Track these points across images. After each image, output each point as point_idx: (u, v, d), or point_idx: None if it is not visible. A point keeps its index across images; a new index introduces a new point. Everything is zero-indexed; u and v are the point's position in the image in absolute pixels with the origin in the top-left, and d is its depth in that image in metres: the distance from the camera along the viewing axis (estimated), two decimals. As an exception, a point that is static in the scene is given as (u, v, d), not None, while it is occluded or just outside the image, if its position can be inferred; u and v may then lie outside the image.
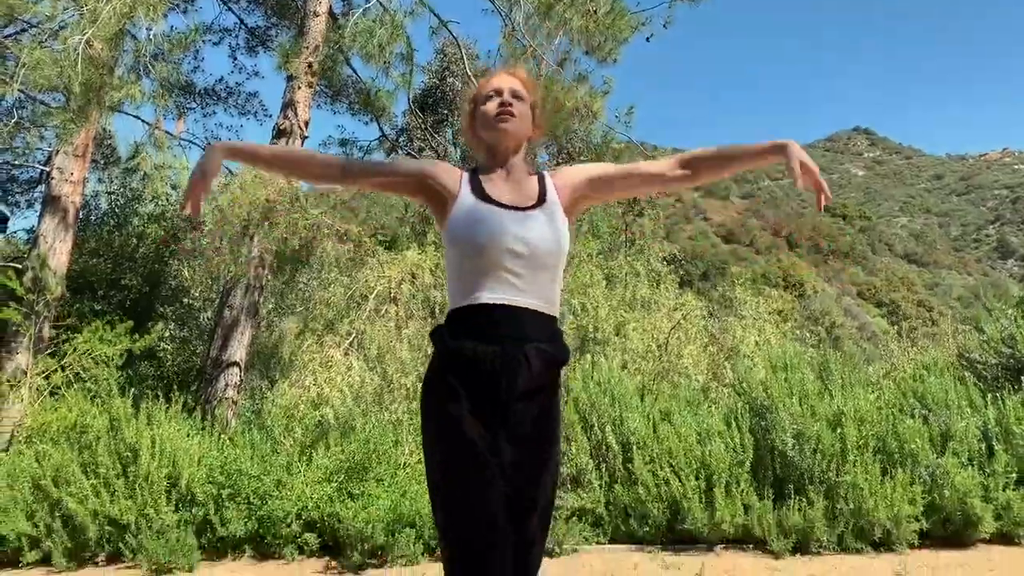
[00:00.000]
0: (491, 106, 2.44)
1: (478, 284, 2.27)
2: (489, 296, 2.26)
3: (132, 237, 18.39)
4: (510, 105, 2.42)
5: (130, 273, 17.32)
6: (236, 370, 12.75)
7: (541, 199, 2.44)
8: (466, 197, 2.36)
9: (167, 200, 19.51)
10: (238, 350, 12.77)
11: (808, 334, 15.11)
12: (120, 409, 6.83)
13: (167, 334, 19.28)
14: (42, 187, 17.58)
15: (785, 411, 6.63)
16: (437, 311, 10.44)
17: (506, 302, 2.26)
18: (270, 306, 16.10)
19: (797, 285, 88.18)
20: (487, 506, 2.14)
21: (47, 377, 8.12)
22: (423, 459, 2.34)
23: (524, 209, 2.38)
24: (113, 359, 8.15)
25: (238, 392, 12.99)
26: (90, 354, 8.02)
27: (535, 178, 2.53)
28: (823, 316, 79.62)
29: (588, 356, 12.95)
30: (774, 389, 6.87)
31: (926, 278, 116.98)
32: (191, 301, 19.91)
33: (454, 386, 2.24)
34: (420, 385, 2.44)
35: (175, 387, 16.82)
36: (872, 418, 6.64)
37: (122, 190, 19.14)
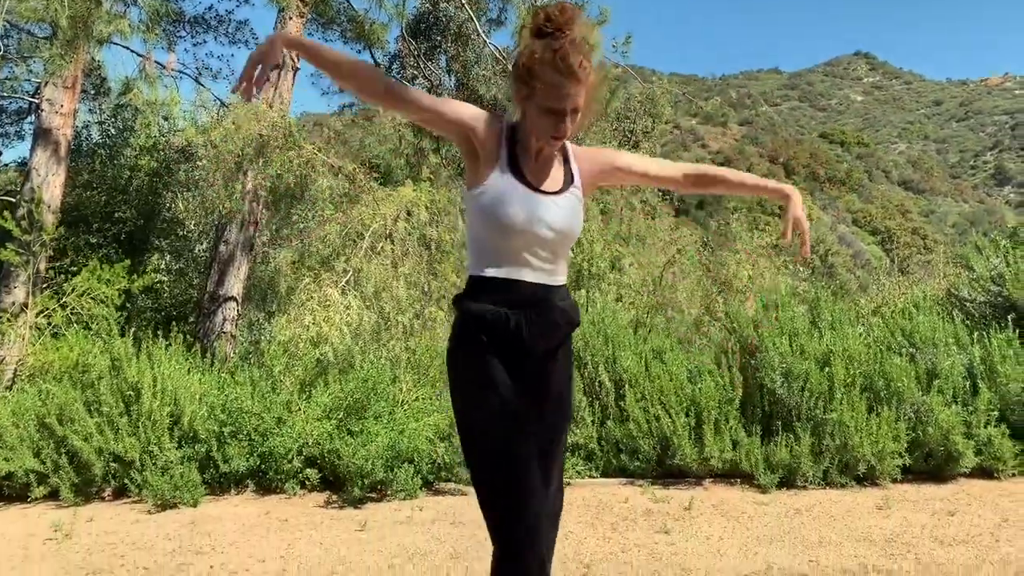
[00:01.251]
0: (549, 123, 2.36)
1: (503, 259, 2.38)
2: (514, 273, 2.38)
3: (125, 169, 18.29)
4: (565, 130, 2.37)
5: (124, 206, 17.27)
6: (233, 304, 12.88)
7: (568, 181, 2.51)
8: (504, 172, 2.38)
9: (160, 132, 19.39)
10: (235, 285, 12.88)
11: (801, 268, 15.14)
12: (121, 349, 6.95)
13: (163, 266, 19.37)
14: (32, 118, 17.42)
15: (775, 350, 6.76)
16: (433, 248, 10.51)
17: (529, 279, 2.39)
18: (265, 238, 16.15)
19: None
20: (527, 459, 2.35)
21: (48, 316, 8.20)
22: (456, 418, 2.47)
23: (554, 193, 2.45)
24: (112, 299, 8.24)
25: (236, 326, 13.14)
26: (89, 294, 8.10)
27: (558, 154, 2.56)
28: (818, 244, 79.76)
29: (583, 291, 13.08)
30: (764, 329, 7.00)
31: (922, 205, 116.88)
32: (186, 233, 19.93)
33: (486, 348, 2.37)
34: (447, 351, 2.53)
35: (173, 321, 16.99)
36: (860, 357, 6.78)
37: (113, 121, 18.96)
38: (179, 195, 19.41)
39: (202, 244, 19.28)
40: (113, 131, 19.41)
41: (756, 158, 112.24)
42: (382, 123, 22.40)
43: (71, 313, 8.03)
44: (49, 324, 8.03)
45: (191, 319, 18.36)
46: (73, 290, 8.30)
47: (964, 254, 8.39)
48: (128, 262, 9.46)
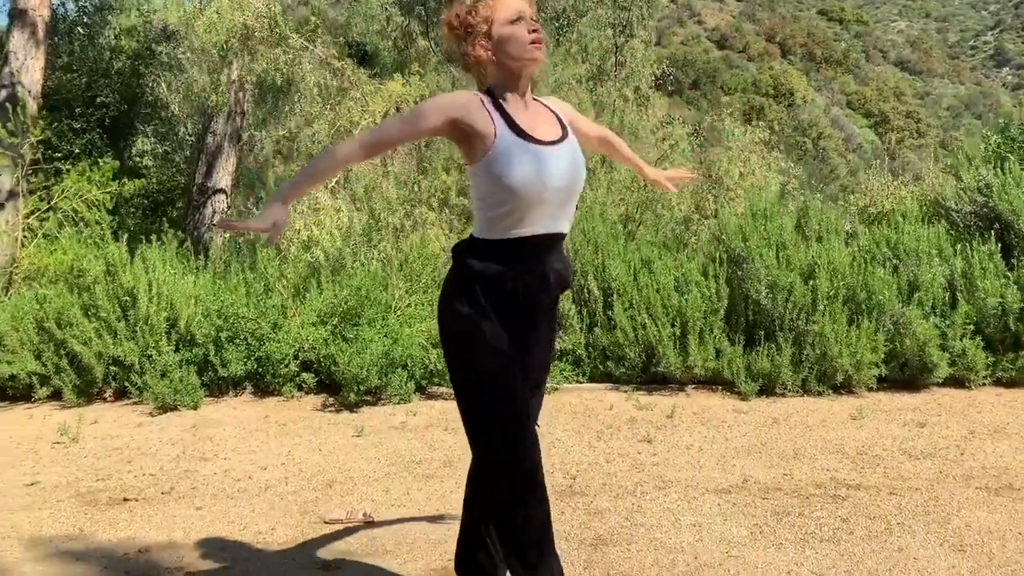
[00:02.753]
0: (522, 32, 2.40)
1: (521, 219, 2.42)
2: (530, 229, 2.44)
3: (106, 51, 17.91)
4: (539, 32, 2.43)
5: (107, 90, 16.99)
6: (223, 196, 12.93)
7: (563, 128, 2.56)
8: (505, 135, 2.38)
9: (139, 10, 18.89)
10: (223, 177, 12.90)
11: (792, 164, 15.17)
12: (116, 255, 7.06)
13: (148, 149, 19.20)
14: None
15: (761, 262, 6.93)
16: (422, 146, 10.50)
17: (544, 231, 2.47)
18: (253, 126, 16.01)
19: (787, 94, 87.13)
20: (521, 403, 2.57)
21: (40, 219, 8.24)
22: (452, 367, 2.62)
23: (557, 143, 2.48)
24: (103, 202, 8.28)
25: (225, 218, 13.19)
26: (80, 196, 8.14)
27: (541, 105, 2.61)
28: (811, 127, 79.26)
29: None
30: (752, 240, 7.14)
31: (918, 87, 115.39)
32: (170, 116, 19.67)
33: (487, 307, 2.49)
34: (441, 303, 2.64)
35: (160, 208, 16.98)
36: (844, 270, 6.97)
37: (89, 5, 18.45)
38: (162, 77, 19.08)
39: (187, 127, 19.07)
40: (91, 7, 18.90)
41: (752, 36, 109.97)
42: (368, 2, 21.82)
43: (63, 218, 8.08)
44: (41, 225, 8.09)
45: (178, 204, 18.38)
46: (63, 191, 8.32)
47: (953, 164, 8.47)
48: (117, 164, 9.42)
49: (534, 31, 2.43)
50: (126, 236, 7.13)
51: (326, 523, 4.31)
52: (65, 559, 3.94)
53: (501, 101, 2.46)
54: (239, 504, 4.65)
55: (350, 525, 4.27)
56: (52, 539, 4.20)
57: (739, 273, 7.12)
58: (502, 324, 2.53)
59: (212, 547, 4.06)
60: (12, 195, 8.24)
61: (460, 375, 2.62)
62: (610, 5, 15.08)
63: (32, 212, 8.35)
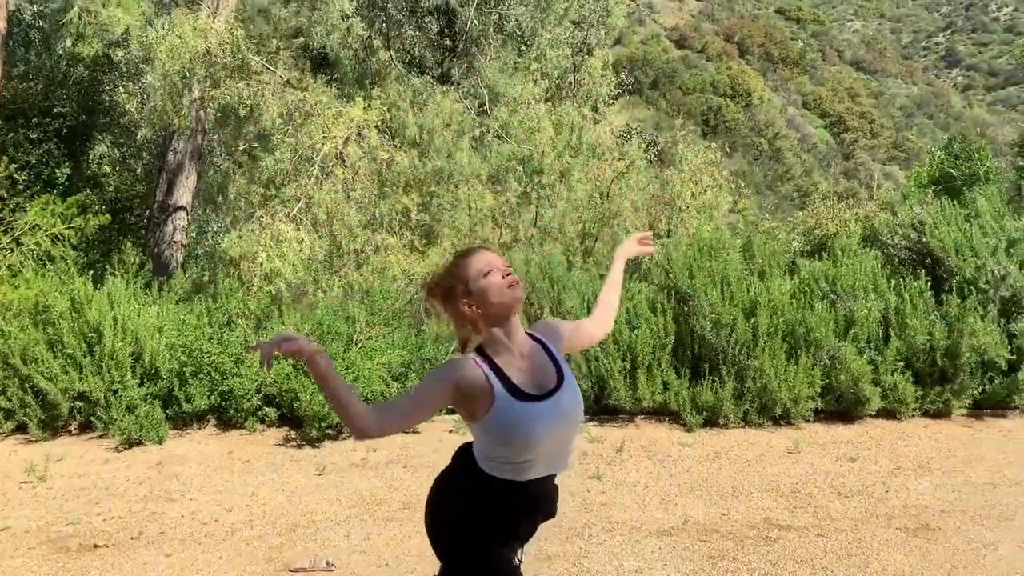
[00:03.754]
0: (495, 278, 2.53)
1: (527, 469, 2.51)
2: (536, 473, 2.53)
3: (63, 59, 17.81)
4: (512, 274, 2.54)
5: (64, 99, 16.89)
6: (183, 214, 13.02)
7: (559, 371, 2.60)
8: (502, 397, 2.47)
9: (95, 19, 18.75)
10: (184, 194, 12.99)
11: (743, 184, 15.63)
12: (82, 291, 7.20)
13: (107, 157, 19.10)
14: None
15: (706, 300, 7.28)
16: (384, 169, 10.71)
17: (543, 475, 2.56)
18: (214, 143, 16.06)
19: (744, 94, 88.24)
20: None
21: (3, 253, 8.32)
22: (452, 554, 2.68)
23: (554, 391, 2.54)
24: (68, 238, 8.39)
25: (185, 235, 13.30)
26: (45, 232, 8.24)
27: (535, 344, 2.66)
28: (767, 127, 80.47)
29: (533, 206, 13.41)
30: (698, 278, 7.48)
31: (872, 86, 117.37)
32: (128, 122, 19.54)
33: (500, 532, 2.61)
34: (446, 504, 2.67)
35: (118, 215, 16.89)
36: (784, 307, 7.34)
37: (48, 10, 18.30)
38: (120, 84, 18.97)
39: (145, 132, 18.98)
40: (47, 12, 18.73)
41: (711, 36, 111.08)
42: (329, 11, 21.88)
43: (26, 252, 8.17)
44: (4, 259, 8.17)
45: (136, 212, 18.34)
46: (26, 226, 8.39)
47: (889, 200, 8.89)
48: (81, 196, 9.52)
49: (508, 275, 2.53)
50: (87, 262, 7.26)
51: (291, 572, 4.55)
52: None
53: (494, 357, 2.54)
54: (207, 550, 4.87)
55: (314, 573, 4.52)
56: (26, 592, 4.40)
57: (685, 309, 7.45)
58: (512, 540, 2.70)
59: (181, 596, 4.29)
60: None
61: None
62: (568, 26, 15.40)
63: (-3, 253, 8.45)
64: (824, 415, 7.23)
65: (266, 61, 11.56)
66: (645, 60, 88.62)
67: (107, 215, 9.41)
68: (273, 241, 8.47)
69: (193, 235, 14.19)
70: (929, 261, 8.01)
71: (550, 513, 2.71)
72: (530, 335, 2.64)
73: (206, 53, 10.36)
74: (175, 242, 12.76)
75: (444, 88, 17.33)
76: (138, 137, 19.69)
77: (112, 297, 7.41)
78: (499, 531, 2.57)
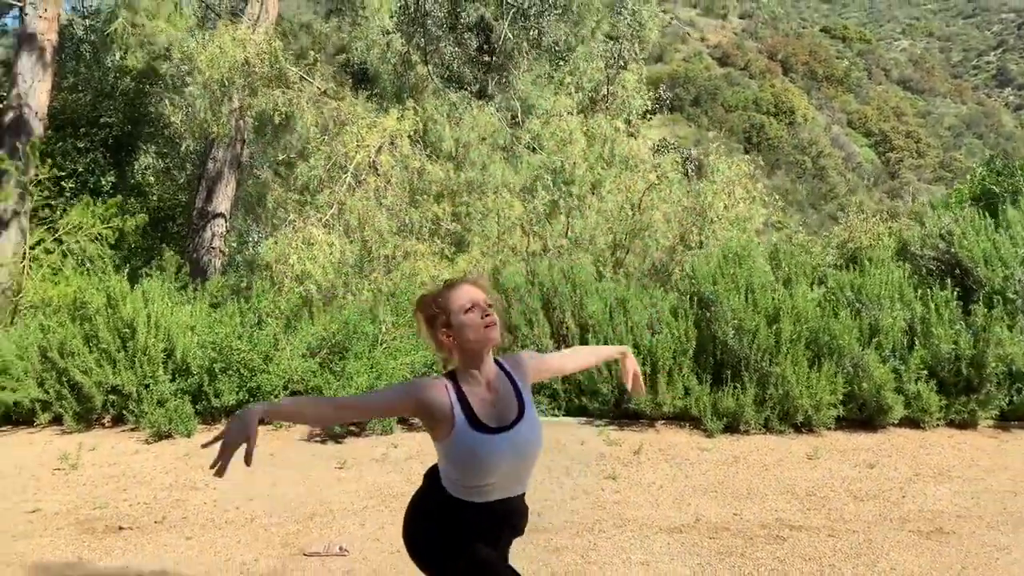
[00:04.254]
0: (474, 317, 2.70)
1: (482, 493, 2.70)
2: (495, 496, 2.72)
3: (111, 72, 18.34)
4: (491, 315, 2.72)
5: (111, 110, 17.40)
6: (221, 221, 13.32)
7: (520, 404, 2.79)
8: (462, 427, 2.63)
9: (141, 31, 19.31)
10: (223, 201, 13.29)
11: (777, 197, 15.53)
12: (117, 288, 7.44)
13: (151, 167, 19.61)
14: (14, 13, 17.31)
15: (728, 305, 7.31)
16: (415, 179, 10.88)
17: (508, 496, 2.75)
18: (253, 152, 16.42)
19: (788, 112, 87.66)
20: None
21: (46, 251, 8.61)
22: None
23: (513, 424, 2.70)
24: (106, 237, 8.66)
25: (224, 242, 13.60)
26: (83, 230, 8.51)
27: (502, 374, 2.85)
28: (810, 146, 79.78)
29: (563, 216, 13.50)
30: (721, 284, 7.52)
31: (919, 106, 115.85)
32: (173, 134, 20.07)
33: (468, 546, 2.76)
34: (420, 521, 2.86)
35: (160, 223, 17.32)
36: (808, 315, 7.34)
37: (98, 24, 18.89)
38: (165, 96, 19.48)
39: (188, 142, 19.46)
40: (98, 28, 19.32)
41: (754, 54, 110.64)
42: (369, 27, 22.28)
43: (66, 250, 8.46)
44: (48, 256, 8.46)
45: (179, 221, 18.78)
46: (67, 225, 8.69)
47: (918, 210, 8.85)
48: (120, 199, 9.83)
49: (486, 315, 2.72)
50: (127, 269, 7.50)
51: (305, 556, 4.68)
52: (64, 586, 4.31)
53: (462, 384, 2.71)
54: (226, 535, 5.02)
55: (327, 557, 4.65)
56: (51, 566, 4.57)
57: (708, 315, 7.49)
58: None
59: (198, 572, 4.43)
60: (20, 228, 8.63)
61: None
62: (602, 39, 15.53)
63: (38, 243, 8.73)
64: (846, 423, 7.21)
65: (303, 72, 11.82)
66: (687, 77, 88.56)
67: (145, 215, 9.67)
68: (305, 244, 8.67)
69: (233, 244, 14.50)
70: (958, 272, 7.97)
71: (516, 529, 2.89)
72: (499, 364, 2.83)
73: (245, 63, 10.61)
74: (213, 248, 13.05)
75: (480, 103, 17.58)
76: (181, 149, 20.23)
77: (147, 295, 7.64)
78: (467, 546, 2.72)
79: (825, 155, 77.32)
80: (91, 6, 19.25)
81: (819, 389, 6.93)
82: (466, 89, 19.06)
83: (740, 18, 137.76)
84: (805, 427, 7.11)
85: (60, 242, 8.71)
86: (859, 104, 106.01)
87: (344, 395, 6.89)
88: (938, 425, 7.16)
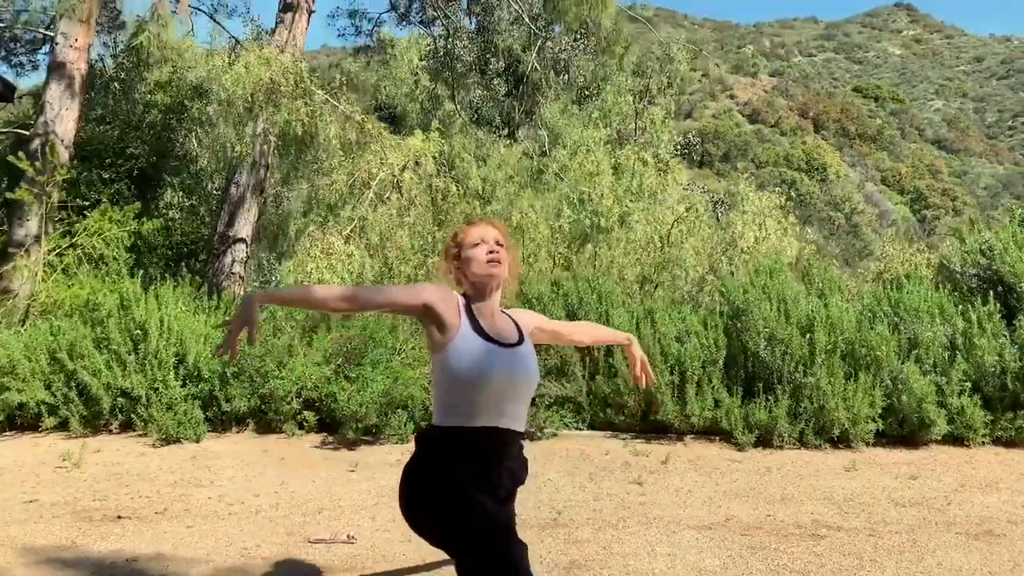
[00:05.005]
0: (480, 252, 2.81)
1: (476, 411, 2.70)
2: (483, 421, 2.71)
3: (139, 105, 18.57)
4: (496, 252, 2.82)
5: (137, 142, 17.58)
6: (242, 246, 13.30)
7: (521, 336, 2.90)
8: (467, 332, 2.71)
9: (173, 67, 19.62)
10: (244, 227, 13.29)
11: (808, 230, 15.36)
12: (130, 289, 7.37)
13: (175, 202, 19.75)
14: (46, 49, 17.68)
15: (760, 315, 7.10)
16: (439, 199, 10.83)
17: (493, 425, 2.73)
18: (276, 179, 16.49)
19: (820, 169, 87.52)
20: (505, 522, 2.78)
21: (59, 255, 8.61)
22: (447, 534, 2.70)
23: (513, 346, 2.80)
24: (122, 239, 8.64)
25: (245, 268, 13.57)
26: (100, 234, 8.50)
27: (507, 316, 2.97)
28: (843, 202, 79.37)
29: (591, 246, 13.39)
30: (751, 293, 7.32)
31: (955, 165, 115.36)
32: (198, 170, 20.26)
33: (464, 479, 2.69)
34: (412, 484, 2.81)
35: (183, 259, 17.43)
36: (843, 324, 7.11)
37: (127, 56, 19.20)
38: (192, 133, 19.73)
39: (214, 182, 19.62)
40: (128, 64, 19.64)
41: (785, 111, 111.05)
42: (398, 66, 22.59)
43: (82, 252, 8.44)
44: (61, 261, 8.44)
45: (201, 256, 18.84)
46: (84, 230, 8.70)
47: (958, 227, 8.63)
48: (139, 205, 9.84)
49: (491, 251, 2.82)
50: (142, 273, 7.43)
51: (311, 543, 4.48)
52: (55, 565, 4.14)
53: (472, 305, 2.81)
54: (228, 525, 4.83)
55: (333, 544, 4.44)
56: (44, 548, 4.40)
57: (738, 325, 7.28)
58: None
59: (198, 558, 4.24)
60: (36, 236, 8.64)
61: (463, 530, 2.67)
62: (629, 72, 15.58)
63: (53, 249, 8.73)
64: (885, 439, 6.92)
65: (329, 95, 11.88)
66: (716, 133, 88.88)
67: (160, 220, 9.65)
68: (323, 254, 8.58)
69: (253, 274, 14.49)
70: (1000, 288, 7.71)
71: (514, 474, 2.85)
72: (505, 313, 2.95)
73: (270, 82, 10.67)
74: (233, 273, 13.02)
75: (508, 141, 17.64)
76: (206, 186, 20.39)
77: (160, 298, 7.55)
78: (462, 479, 2.66)
79: (859, 212, 76.79)
80: (123, 42, 19.61)
81: (856, 402, 6.67)
82: (493, 127, 19.19)
83: (770, 76, 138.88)
84: (842, 442, 6.82)
85: (75, 247, 8.69)
86: (893, 162, 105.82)
87: (359, 398, 6.73)
88: (984, 443, 6.85)
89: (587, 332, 3.59)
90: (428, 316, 2.70)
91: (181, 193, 19.76)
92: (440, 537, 2.75)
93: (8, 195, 9.41)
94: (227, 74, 10.72)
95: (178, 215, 19.73)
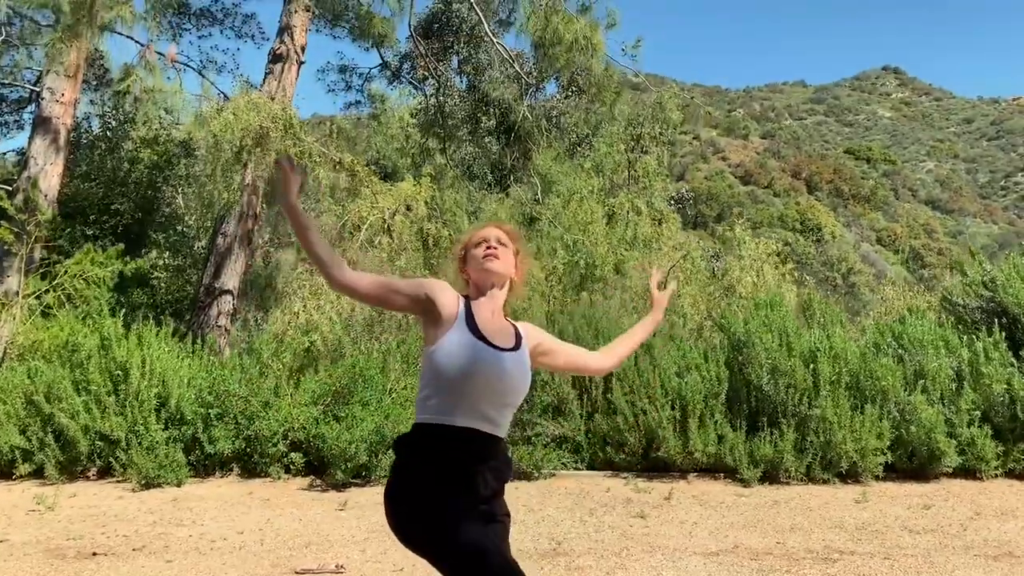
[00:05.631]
0: (479, 250, 2.85)
1: (456, 408, 2.64)
2: (464, 421, 2.64)
3: (124, 161, 18.62)
4: (495, 249, 2.84)
5: (122, 198, 17.56)
6: (229, 298, 13.17)
7: (518, 342, 2.85)
8: (461, 327, 2.69)
9: (161, 125, 19.74)
10: (231, 278, 13.17)
11: (808, 277, 15.38)
12: (111, 328, 7.24)
13: (161, 262, 19.66)
14: (32, 108, 17.80)
15: (762, 346, 7.01)
16: (431, 243, 10.78)
17: (477, 428, 2.65)
18: (266, 237, 16.46)
19: (815, 229, 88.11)
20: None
21: (38, 297, 8.50)
22: (435, 548, 2.65)
23: (506, 350, 2.74)
24: (104, 281, 8.53)
25: (231, 320, 13.44)
26: (82, 275, 8.39)
27: (508, 323, 2.92)
28: (840, 262, 79.75)
29: (586, 294, 13.33)
30: (752, 324, 7.24)
31: (949, 225, 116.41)
32: (185, 229, 20.24)
33: (438, 493, 2.59)
34: (395, 497, 2.73)
35: (167, 315, 17.29)
36: (846, 355, 7.02)
37: (114, 113, 19.32)
38: (179, 190, 19.77)
39: (201, 241, 19.58)
40: (114, 123, 19.75)
41: (778, 172, 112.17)
42: (388, 123, 22.79)
43: (63, 295, 8.32)
44: (40, 304, 8.32)
45: (187, 317, 18.71)
46: (66, 272, 8.60)
47: (959, 260, 8.60)
48: (122, 246, 9.76)
49: (488, 247, 2.83)
50: (123, 312, 7.31)
51: (296, 573, 4.31)
52: (24, 598, 3.96)
53: (472, 304, 2.78)
54: (211, 559, 4.65)
55: (321, 574, 4.27)
56: (14, 583, 4.22)
57: (740, 358, 7.18)
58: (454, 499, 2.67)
59: (176, 590, 4.07)
60: (16, 280, 8.56)
61: (447, 545, 2.67)
62: (622, 122, 15.70)
63: (33, 292, 8.61)
64: (896, 473, 6.78)
65: (320, 144, 11.91)
66: (710, 194, 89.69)
67: (143, 260, 9.55)
68: (311, 295, 8.47)
69: (239, 327, 14.33)
70: (1004, 319, 7.65)
71: (499, 473, 2.74)
72: (511, 323, 2.90)
73: (259, 128, 10.69)
74: (219, 326, 12.88)
75: (499, 195, 17.70)
76: (194, 247, 20.35)
77: (142, 339, 7.42)
78: (443, 478, 2.58)
79: (856, 272, 77.09)
80: (109, 100, 19.75)
81: (864, 434, 6.54)
82: (485, 183, 19.26)
83: (762, 138, 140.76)
84: (851, 476, 6.67)
85: (55, 288, 8.57)
86: (887, 222, 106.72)
87: (348, 436, 6.57)
88: (996, 475, 6.72)
89: (609, 351, 3.24)
90: (426, 309, 2.67)
91: (168, 253, 19.71)
92: (422, 543, 2.61)
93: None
94: (216, 120, 10.73)
95: (163, 275, 19.66)
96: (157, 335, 7.82)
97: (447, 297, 2.70)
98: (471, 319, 2.72)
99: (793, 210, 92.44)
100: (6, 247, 11.05)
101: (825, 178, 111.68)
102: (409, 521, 2.60)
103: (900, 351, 7.31)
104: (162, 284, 19.11)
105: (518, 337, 2.85)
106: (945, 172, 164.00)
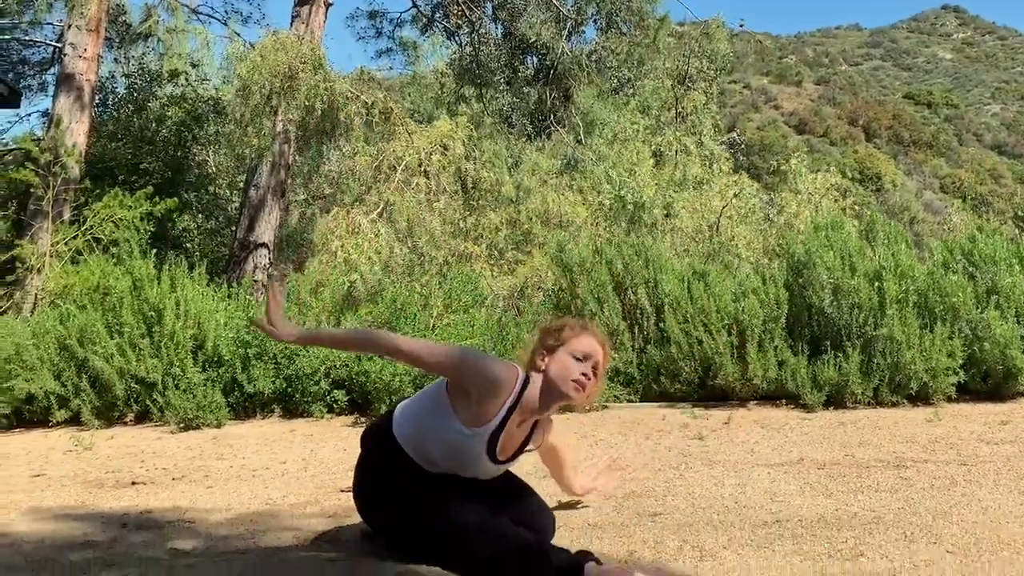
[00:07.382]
0: (575, 368, 2.80)
1: (430, 465, 2.89)
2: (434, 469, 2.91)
3: (152, 120, 18.75)
4: (592, 381, 2.83)
5: (151, 158, 17.69)
6: (264, 251, 13.26)
7: (520, 448, 2.99)
8: (482, 438, 2.77)
9: (186, 80, 19.84)
10: (266, 231, 13.26)
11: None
12: (142, 270, 7.29)
13: (194, 225, 19.86)
14: (55, 68, 17.98)
15: (823, 266, 6.86)
16: (469, 185, 10.73)
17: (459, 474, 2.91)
18: (299, 189, 16.52)
19: (874, 178, 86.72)
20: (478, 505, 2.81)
21: (67, 244, 8.60)
22: (419, 527, 2.79)
23: (503, 462, 2.91)
24: (134, 222, 8.60)
25: (267, 275, 13.54)
26: (111, 218, 8.48)
27: (532, 423, 3.01)
28: (902, 211, 78.45)
29: (633, 237, 13.21)
30: (813, 245, 7.09)
31: (1018, 170, 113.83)
32: (217, 189, 20.37)
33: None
34: (378, 482, 3.04)
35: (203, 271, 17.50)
36: (914, 273, 6.85)
37: (140, 71, 19.45)
38: (209, 149, 19.89)
39: (234, 203, 19.72)
40: (140, 81, 19.88)
41: (833, 120, 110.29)
42: (424, 74, 22.69)
43: (92, 239, 8.42)
44: (69, 250, 8.42)
45: (219, 279, 18.91)
46: (95, 214, 8.69)
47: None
48: (151, 189, 9.83)
49: (584, 374, 2.80)
50: (155, 252, 7.36)
51: (342, 492, 4.31)
52: (61, 520, 4.00)
53: (521, 399, 2.79)
54: (253, 484, 4.68)
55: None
56: (51, 508, 4.27)
57: (800, 281, 7.04)
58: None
59: (218, 508, 4.09)
60: (45, 226, 8.66)
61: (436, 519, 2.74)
62: (665, 55, 15.45)
63: (63, 239, 8.72)
64: (969, 394, 6.61)
65: (351, 86, 11.87)
66: (763, 145, 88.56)
67: (176, 199, 9.64)
68: (348, 233, 8.47)
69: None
70: (1087, 233, 7.42)
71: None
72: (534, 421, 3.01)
73: (288, 69, 10.66)
74: (255, 281, 12.98)
75: (540, 144, 17.55)
76: (227, 208, 20.49)
77: (175, 280, 7.47)
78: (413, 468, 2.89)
79: (919, 221, 75.83)
80: (134, 57, 19.89)
81: (934, 353, 6.38)
82: (525, 132, 19.11)
83: (816, 84, 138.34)
84: (921, 398, 6.52)
85: (85, 232, 8.67)
86: (951, 168, 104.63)
87: (392, 370, 6.57)
88: (1080, 394, 6.54)
89: (563, 465, 3.53)
90: (483, 387, 2.71)
91: (200, 215, 19.88)
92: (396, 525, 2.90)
93: (11, 174, 9.43)
94: (243, 63, 10.73)
95: (196, 237, 19.86)
96: (191, 278, 7.88)
97: (494, 406, 2.73)
98: (499, 430, 2.77)
99: (851, 159, 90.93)
100: (36, 206, 11.20)
101: (884, 124, 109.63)
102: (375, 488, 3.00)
103: (971, 268, 7.13)
104: (196, 247, 19.31)
105: (525, 441, 2.98)
106: (1012, 115, 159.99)
